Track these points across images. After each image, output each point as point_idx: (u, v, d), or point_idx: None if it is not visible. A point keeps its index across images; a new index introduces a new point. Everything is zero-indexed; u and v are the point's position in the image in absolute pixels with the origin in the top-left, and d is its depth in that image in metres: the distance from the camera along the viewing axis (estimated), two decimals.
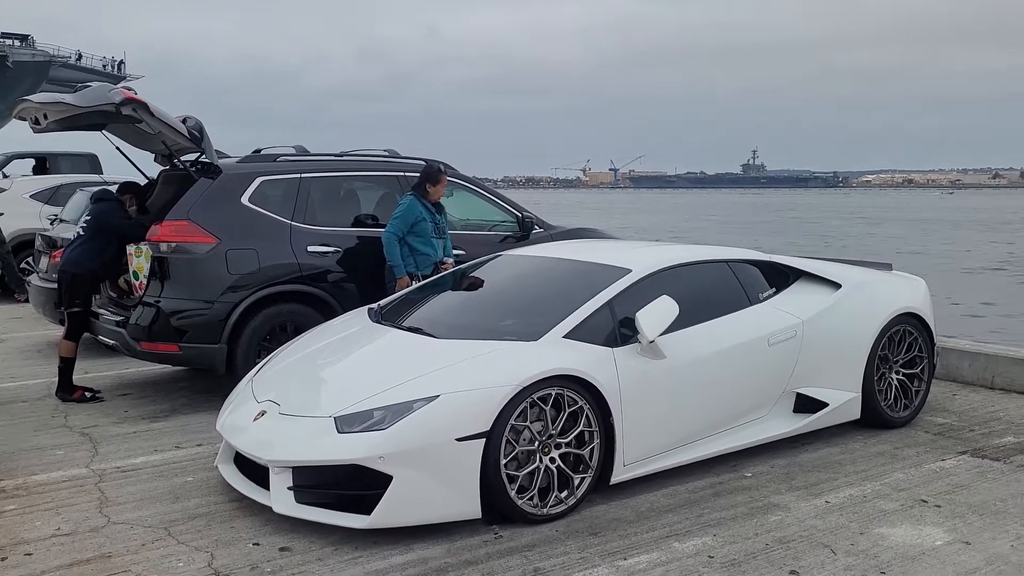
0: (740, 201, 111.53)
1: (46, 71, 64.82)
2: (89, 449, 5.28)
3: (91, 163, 15.11)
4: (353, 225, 6.53)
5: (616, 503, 4.37)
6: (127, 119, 5.82)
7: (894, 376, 5.61)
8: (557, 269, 5.16)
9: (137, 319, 5.94)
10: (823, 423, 5.26)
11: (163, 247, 5.89)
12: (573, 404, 4.16)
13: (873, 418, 5.50)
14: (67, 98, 5.73)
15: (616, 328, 4.51)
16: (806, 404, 5.19)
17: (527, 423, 4.05)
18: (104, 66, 70.01)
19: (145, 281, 6.07)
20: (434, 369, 4.19)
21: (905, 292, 5.77)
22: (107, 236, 6.31)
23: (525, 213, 7.36)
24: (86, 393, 6.35)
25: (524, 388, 3.99)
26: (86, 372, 7.26)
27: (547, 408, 4.09)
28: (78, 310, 6.31)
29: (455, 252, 6.63)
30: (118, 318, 6.14)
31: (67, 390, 6.34)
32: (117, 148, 6.96)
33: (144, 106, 5.72)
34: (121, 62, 70.58)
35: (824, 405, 5.21)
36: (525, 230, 7.26)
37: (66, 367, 6.38)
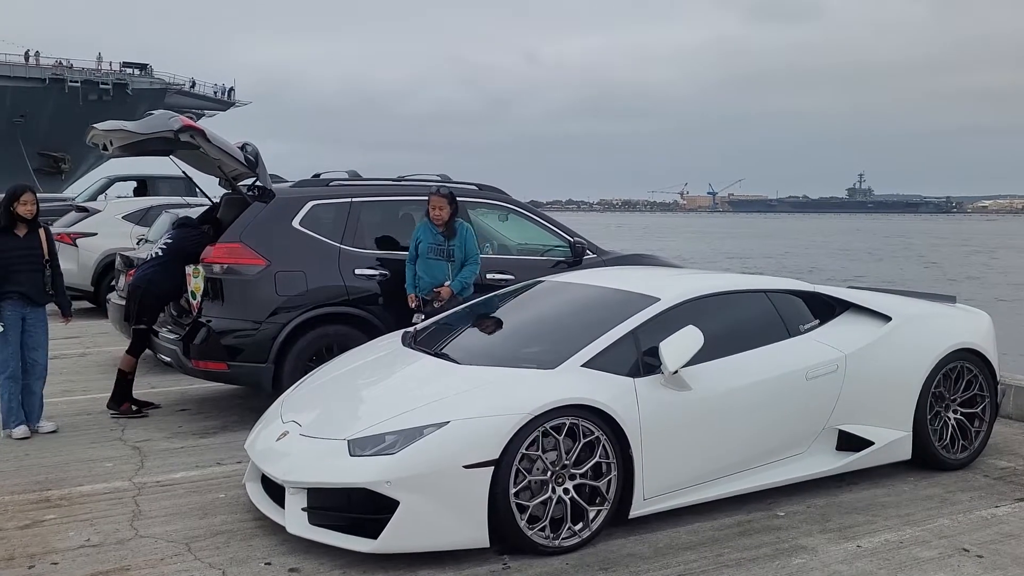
0: (843, 226, 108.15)
1: (162, 98, 68.28)
2: (136, 463, 5.48)
3: (187, 186, 15.80)
4: (401, 249, 6.61)
5: (635, 537, 4.26)
6: (186, 145, 6.06)
7: (951, 415, 5.32)
8: (588, 296, 5.10)
9: (189, 337, 6.15)
10: (868, 462, 5.02)
11: (216, 268, 6.10)
12: (589, 434, 4.10)
13: (926, 459, 5.22)
14: (129, 126, 6.02)
15: (640, 358, 4.42)
16: (850, 442, 4.96)
17: (540, 452, 4.00)
18: (215, 92, 73.28)
19: (199, 301, 6.29)
20: (449, 395, 4.20)
21: (963, 326, 5.47)
22: (183, 260, 6.54)
23: (576, 238, 7.32)
24: (132, 407, 6.60)
25: (536, 417, 3.95)
26: (152, 387, 7.57)
27: (560, 438, 4.03)
28: (144, 327, 6.58)
29: (502, 276, 6.64)
30: (174, 336, 6.37)
31: (117, 401, 6.60)
32: (183, 172, 7.26)
33: (201, 133, 5.96)
34: (231, 89, 73.73)
35: (869, 444, 4.97)
36: (576, 255, 7.22)
37: (122, 380, 6.65)
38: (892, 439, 5.04)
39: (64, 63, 63.89)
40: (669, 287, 4.89)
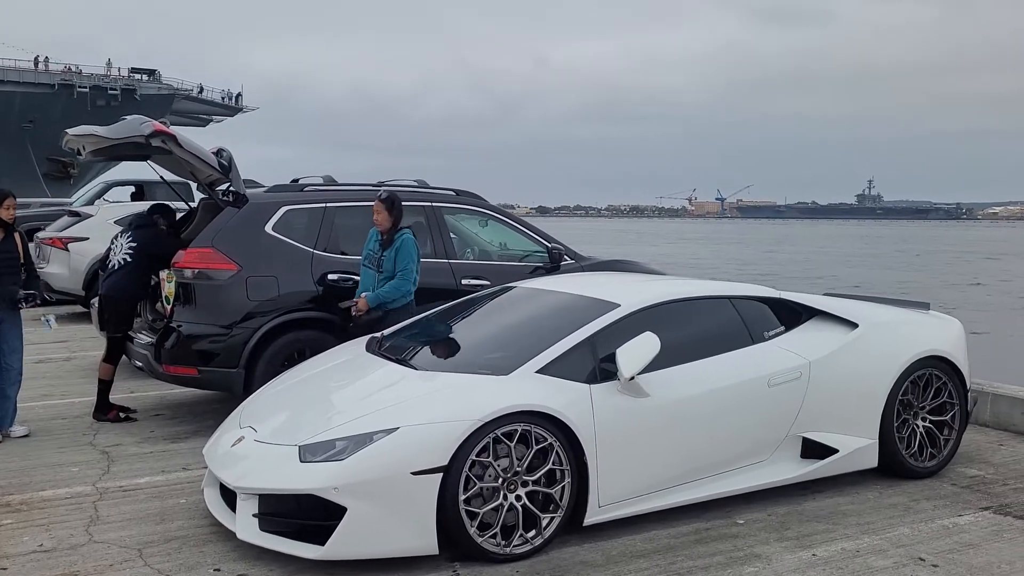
0: (851, 233, 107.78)
1: (170, 103, 68.65)
2: (103, 467, 5.48)
3: (185, 191, 15.86)
4: None
5: (590, 545, 4.24)
6: (157, 150, 6.07)
7: (919, 423, 5.27)
8: (552, 303, 5.08)
9: (160, 342, 6.15)
10: (833, 470, 4.98)
11: (187, 273, 6.11)
12: (542, 441, 4.07)
13: (894, 467, 5.17)
14: (100, 130, 6.02)
15: (597, 364, 4.40)
16: (814, 450, 4.93)
17: (491, 459, 3.98)
18: (223, 98, 73.59)
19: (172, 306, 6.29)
20: (402, 401, 4.19)
21: (932, 333, 5.42)
22: (150, 262, 6.56)
23: (554, 244, 7.30)
24: (120, 414, 6.60)
25: (486, 423, 3.93)
26: (132, 392, 7.58)
27: (512, 445, 4.01)
28: (119, 335, 6.59)
29: (477, 282, 6.62)
30: (147, 340, 6.37)
31: (103, 410, 6.60)
32: (161, 177, 7.27)
33: (173, 138, 5.96)
34: (239, 94, 74.03)
35: (834, 451, 4.94)
36: (554, 261, 7.20)
37: (104, 389, 6.65)
38: (857, 447, 5.00)
39: (73, 69, 64.32)
40: (630, 293, 4.87)
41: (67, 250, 12.00)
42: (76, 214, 12.80)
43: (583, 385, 4.28)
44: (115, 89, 63.67)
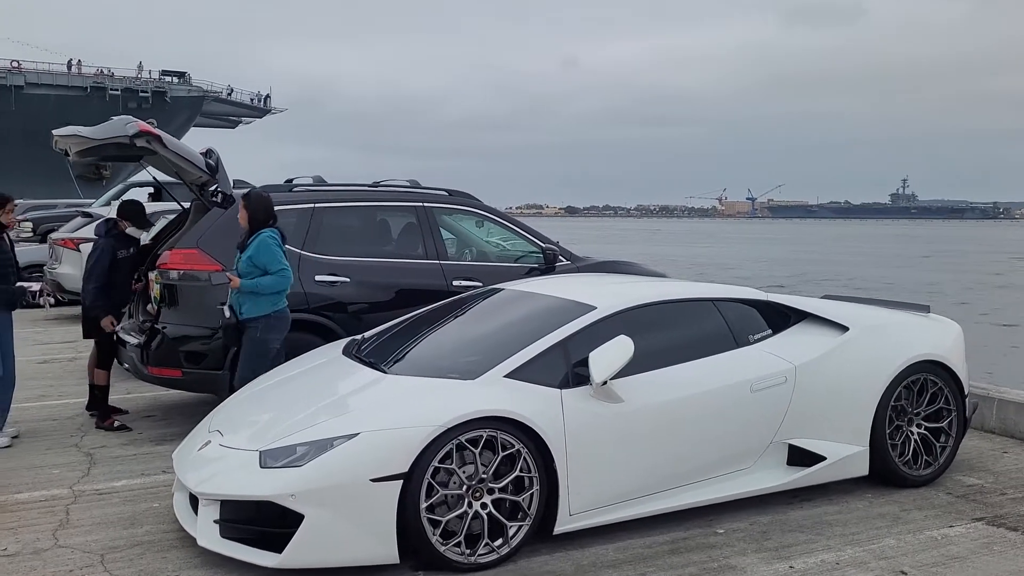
0: (883, 233, 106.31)
1: (199, 105, 69.37)
2: (83, 470, 5.46)
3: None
4: (363, 255, 6.53)
5: (560, 554, 4.12)
6: (142, 151, 6.04)
7: (914, 430, 5.09)
8: (529, 305, 4.96)
9: (146, 343, 6.12)
10: (821, 478, 4.82)
11: (172, 274, 6.07)
12: (509, 447, 3.97)
13: (886, 475, 5.00)
14: (84, 131, 5.99)
15: (570, 368, 4.28)
16: (801, 457, 4.77)
17: (454, 466, 3.88)
18: (252, 100, 74.23)
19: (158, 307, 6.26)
20: (367, 406, 4.10)
21: (927, 337, 5.23)
22: (109, 272, 6.40)
23: (548, 245, 7.18)
24: (115, 422, 6.55)
25: (449, 429, 3.83)
26: (128, 392, 7.58)
27: (477, 451, 3.91)
28: (104, 340, 6.55)
29: (468, 284, 6.53)
30: (134, 342, 6.35)
31: (102, 418, 6.55)
32: (154, 179, 7.25)
33: (158, 138, 5.93)
34: (267, 96, 74.62)
35: (821, 459, 4.78)
36: (549, 262, 7.08)
37: (102, 395, 6.62)
38: (846, 454, 4.84)
39: (105, 71, 65.25)
40: (607, 296, 4.74)
41: (78, 250, 12.08)
42: (88, 215, 12.89)
43: (554, 390, 4.17)
44: (146, 91, 64.48)
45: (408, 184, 7.21)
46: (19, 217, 20.84)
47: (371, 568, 3.85)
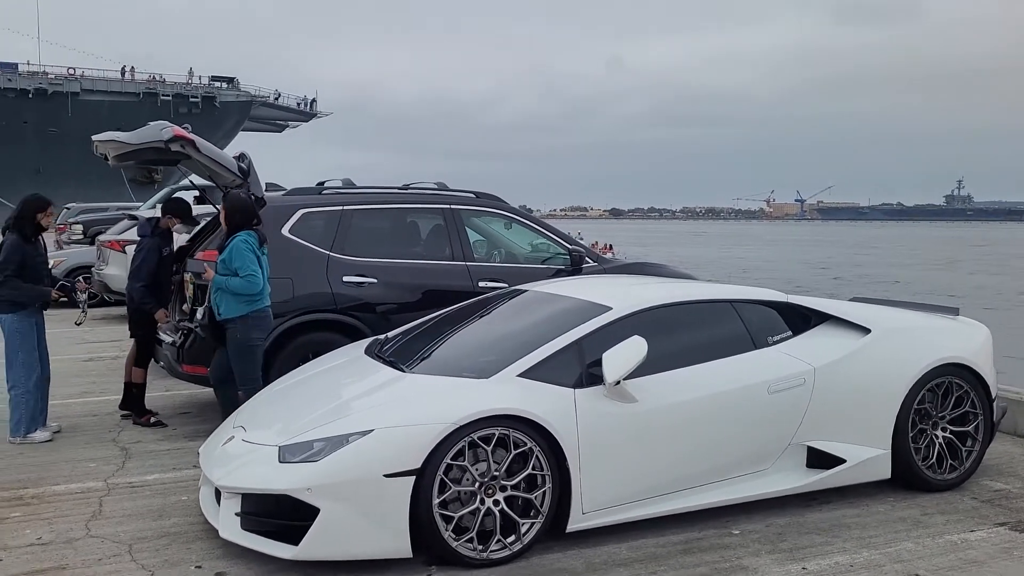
0: (936, 235, 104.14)
1: (248, 110, 70.57)
2: (118, 464, 5.64)
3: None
4: (390, 256, 6.64)
5: (573, 552, 4.17)
6: (176, 155, 6.21)
7: (939, 433, 5.04)
8: (548, 305, 5.01)
9: (178, 343, 6.30)
10: (840, 481, 4.79)
11: (205, 275, 6.22)
12: (521, 446, 4.02)
13: (909, 479, 4.95)
14: (121, 136, 6.19)
15: (584, 368, 4.33)
16: (820, 459, 4.75)
17: (467, 463, 3.94)
18: (299, 104, 75.33)
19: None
20: (382, 403, 4.19)
21: (953, 340, 5.16)
22: (150, 272, 6.62)
23: (574, 247, 7.22)
24: (152, 419, 6.74)
25: (461, 427, 3.90)
26: (167, 390, 7.80)
27: (490, 449, 3.97)
28: (143, 338, 6.75)
29: (494, 285, 6.59)
30: (170, 340, 6.53)
31: (139, 414, 6.76)
32: (191, 182, 7.45)
33: (192, 143, 6.10)
34: (313, 100, 75.65)
35: (841, 461, 4.75)
36: (575, 264, 7.12)
37: (139, 393, 6.82)
38: (867, 457, 4.80)
39: (157, 77, 66.76)
40: (624, 297, 4.77)
41: (124, 252, 12.41)
42: (134, 218, 13.23)
43: (567, 390, 4.21)
44: (196, 97, 65.81)
45: (436, 186, 7.30)
46: (71, 220, 21.45)
47: (385, 562, 3.94)
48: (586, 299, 4.80)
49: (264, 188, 6.67)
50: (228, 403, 5.62)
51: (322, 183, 7.32)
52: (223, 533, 4.07)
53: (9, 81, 61.14)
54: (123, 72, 66.14)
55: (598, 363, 4.27)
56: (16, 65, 63.41)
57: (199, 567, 4.01)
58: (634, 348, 4.21)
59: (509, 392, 4.11)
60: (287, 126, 79.95)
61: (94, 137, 6.39)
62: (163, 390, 7.78)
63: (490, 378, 4.21)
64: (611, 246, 43.33)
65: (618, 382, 4.18)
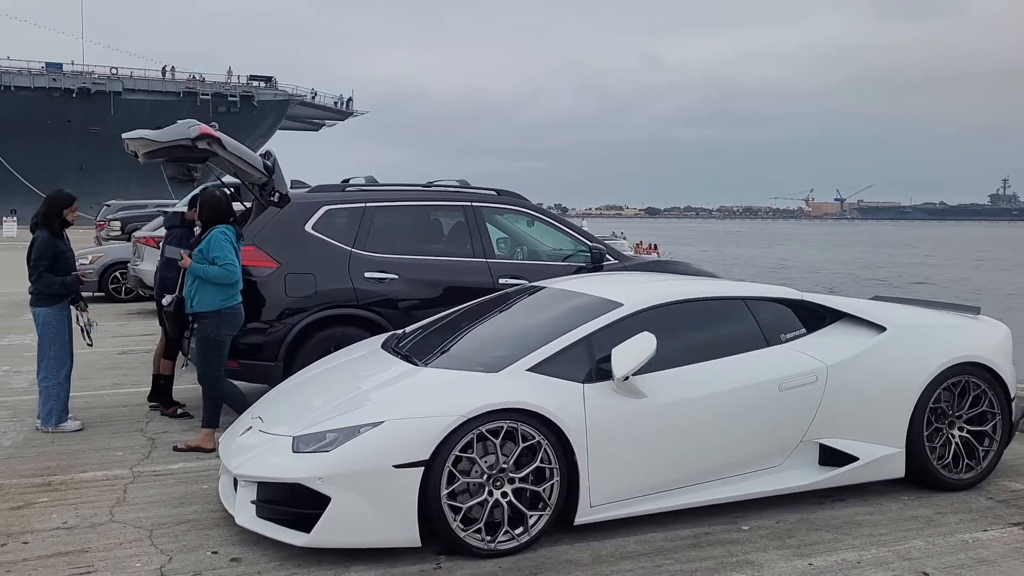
0: (980, 235, 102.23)
1: (285, 109, 71.42)
2: (144, 453, 5.79)
3: None
4: (412, 253, 6.73)
5: (581, 544, 4.22)
6: (203, 152, 6.35)
7: (956, 432, 5.01)
8: (561, 301, 5.06)
9: None
10: (853, 479, 4.79)
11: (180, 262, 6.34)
12: (529, 439, 4.08)
13: (924, 478, 4.94)
14: (149, 134, 6.34)
15: (594, 364, 4.37)
16: (833, 457, 4.75)
17: (475, 455, 4.01)
18: (335, 103, 76.07)
19: None
20: (394, 395, 4.27)
21: (970, 338, 5.13)
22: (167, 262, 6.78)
23: (595, 244, 7.26)
24: (178, 410, 6.91)
25: (470, 419, 3.97)
26: (196, 383, 7.95)
27: (497, 441, 4.04)
28: (176, 332, 6.92)
29: (514, 281, 6.65)
30: None
31: (166, 405, 6.93)
32: (218, 178, 7.59)
33: (218, 140, 6.23)
34: (349, 99, 76.34)
35: (854, 459, 4.75)
36: (596, 262, 7.16)
37: (166, 384, 7.00)
38: (880, 455, 4.80)
39: (196, 77, 67.80)
40: (635, 293, 4.81)
41: (158, 247, 12.66)
42: (167, 214, 13.49)
43: (577, 384, 4.26)
44: (234, 96, 66.77)
45: (457, 184, 7.39)
46: (109, 216, 21.86)
47: (395, 551, 4.02)
48: (598, 295, 4.84)
49: (289, 185, 6.79)
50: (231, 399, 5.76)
51: (347, 180, 7.44)
52: (239, 520, 4.18)
53: (55, 81, 62.56)
54: (164, 72, 67.29)
55: (608, 359, 4.32)
56: (61, 65, 64.83)
57: (215, 552, 4.12)
58: (642, 344, 4.25)
59: (518, 386, 4.18)
60: (323, 125, 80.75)
61: (124, 135, 6.56)
62: (191, 383, 7.94)
63: (500, 372, 4.27)
64: (655, 246, 42.95)
65: (626, 377, 4.23)
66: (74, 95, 62.38)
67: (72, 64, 65.77)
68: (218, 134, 6.27)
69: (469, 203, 7.08)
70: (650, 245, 42.81)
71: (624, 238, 47.11)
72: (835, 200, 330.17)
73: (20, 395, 7.54)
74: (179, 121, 6.42)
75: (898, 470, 4.87)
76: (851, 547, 4.22)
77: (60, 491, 5.00)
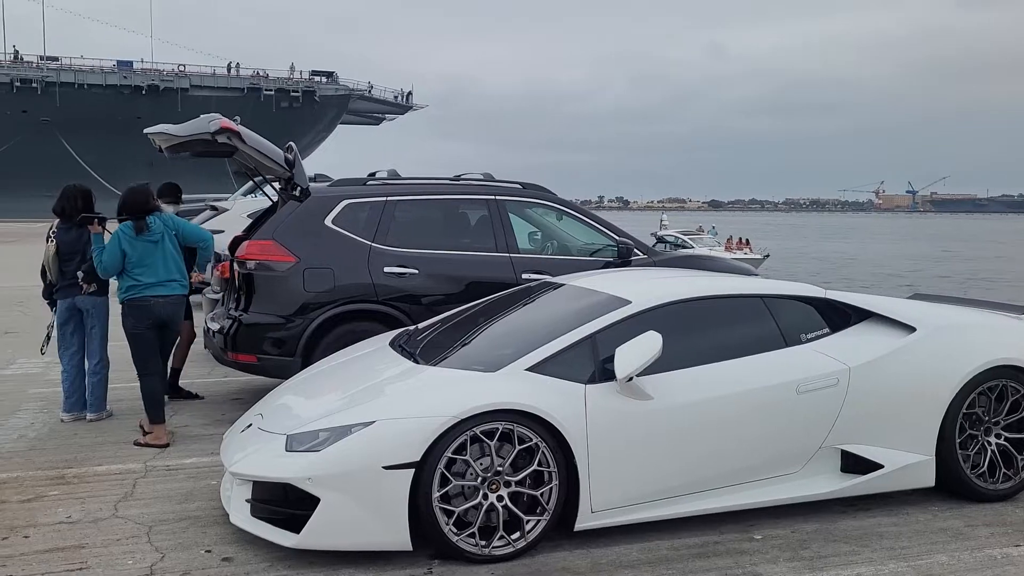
0: None
1: (346, 103, 72.21)
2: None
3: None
4: (432, 247, 6.63)
5: (581, 551, 4.06)
6: (223, 147, 6.35)
7: (992, 440, 4.70)
8: (570, 298, 4.89)
9: (223, 330, 6.44)
10: (877, 487, 4.53)
11: (249, 264, 6.35)
12: (526, 441, 3.94)
13: (956, 487, 4.65)
14: (171, 128, 6.37)
15: (598, 363, 4.20)
16: (856, 464, 4.50)
17: (470, 457, 3.88)
18: (395, 97, 76.65)
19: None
20: (388, 394, 4.17)
21: (1010, 340, 4.80)
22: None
23: (622, 239, 7.06)
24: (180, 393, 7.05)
25: (462, 420, 3.84)
26: (225, 375, 8.01)
27: (493, 443, 3.90)
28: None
29: (537, 277, 6.50)
30: (218, 328, 6.69)
31: (176, 390, 7.05)
32: (245, 171, 7.60)
33: (237, 134, 6.22)
34: (409, 93, 76.81)
35: (878, 467, 4.49)
36: (622, 256, 6.96)
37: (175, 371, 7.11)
38: (907, 463, 4.53)
39: (260, 73, 68.96)
40: (646, 290, 4.61)
41: None
42: (215, 208, 13.66)
43: (578, 385, 4.10)
44: (296, 91, 67.71)
45: (483, 177, 7.26)
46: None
47: (386, 554, 3.92)
48: (607, 292, 4.66)
49: (311, 179, 6.74)
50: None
51: (372, 174, 7.37)
52: (233, 519, 4.13)
53: (125, 78, 64.27)
54: (229, 68, 68.60)
55: (612, 359, 4.15)
56: (131, 63, 66.60)
57: (208, 551, 4.07)
58: (647, 344, 4.06)
59: (515, 386, 4.03)
60: (384, 119, 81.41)
61: (146, 130, 6.60)
62: (222, 376, 8.00)
63: (497, 372, 4.13)
64: (748, 241, 42.00)
65: (630, 378, 4.05)
66: (143, 92, 63.98)
67: (142, 62, 67.61)
68: (238, 128, 6.26)
69: (492, 197, 6.94)
70: (741, 240, 41.88)
71: (715, 233, 46.16)
72: (907, 192, 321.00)
73: (56, 386, 7.65)
74: (201, 115, 6.42)
75: (927, 479, 4.60)
76: (868, 560, 3.97)
77: (72, 484, 5.03)
